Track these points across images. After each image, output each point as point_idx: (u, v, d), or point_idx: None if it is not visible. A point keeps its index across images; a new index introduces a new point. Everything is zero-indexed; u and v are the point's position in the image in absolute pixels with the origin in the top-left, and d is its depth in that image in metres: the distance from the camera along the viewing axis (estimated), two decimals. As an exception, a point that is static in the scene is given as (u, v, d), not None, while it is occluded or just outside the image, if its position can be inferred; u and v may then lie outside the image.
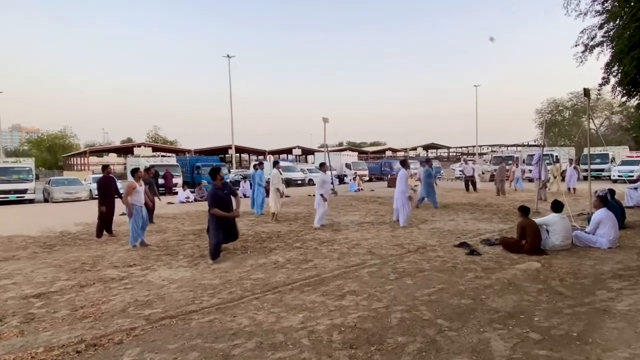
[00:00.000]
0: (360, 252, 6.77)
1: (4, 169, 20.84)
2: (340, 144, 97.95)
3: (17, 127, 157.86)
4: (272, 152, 53.79)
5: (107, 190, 9.12)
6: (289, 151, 55.95)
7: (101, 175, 9.62)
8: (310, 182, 29.38)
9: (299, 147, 51.75)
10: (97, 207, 9.03)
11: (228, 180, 30.26)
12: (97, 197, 9.58)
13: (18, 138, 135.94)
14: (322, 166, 10.40)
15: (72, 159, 57.24)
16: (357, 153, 50.97)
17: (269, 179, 11.60)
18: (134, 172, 8.26)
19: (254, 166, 14.28)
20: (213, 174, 6.66)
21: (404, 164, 10.25)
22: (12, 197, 19.63)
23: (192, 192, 19.07)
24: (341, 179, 31.36)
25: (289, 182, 24.48)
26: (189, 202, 17.56)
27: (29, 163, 22.58)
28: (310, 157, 63.08)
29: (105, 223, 9.00)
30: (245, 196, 18.87)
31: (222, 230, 6.61)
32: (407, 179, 9.77)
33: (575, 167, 17.36)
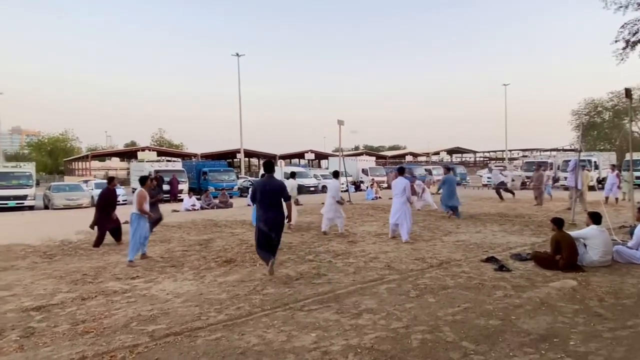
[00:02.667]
0: (378, 267, 6.76)
1: (3, 174, 21.45)
2: (357, 148, 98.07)
3: (17, 130, 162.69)
4: (283, 157, 54.05)
5: (108, 204, 9.40)
6: (301, 155, 56.21)
7: (105, 185, 10.04)
8: (324, 189, 29.49)
9: (311, 151, 51.90)
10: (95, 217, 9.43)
11: (236, 187, 30.31)
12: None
13: (18, 141, 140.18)
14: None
15: (73, 163, 58.63)
16: (374, 158, 50.84)
17: None
18: (144, 180, 8.22)
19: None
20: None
21: (402, 171, 9.88)
22: (11, 203, 20.20)
23: (198, 199, 19.31)
24: (357, 186, 31.33)
25: (300, 189, 24.58)
26: (195, 209, 17.78)
27: (29, 168, 23.21)
28: (323, 162, 63.19)
29: (109, 232, 9.36)
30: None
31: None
32: (409, 188, 9.36)
33: (617, 175, 16.90)
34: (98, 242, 9.18)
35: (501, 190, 19.20)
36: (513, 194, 19.55)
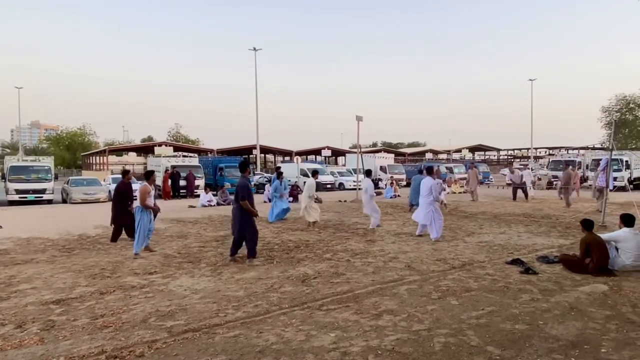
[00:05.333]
0: (397, 267, 6.72)
1: (23, 167, 22.06)
2: (375, 145, 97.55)
3: (37, 124, 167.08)
4: (300, 153, 54.20)
5: (123, 197, 9.51)
6: (317, 152, 56.22)
7: (121, 179, 10.12)
8: (341, 186, 29.43)
9: (328, 148, 51.80)
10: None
11: (252, 183, 30.54)
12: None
13: (37, 135, 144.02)
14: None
15: (91, 157, 59.90)
16: (393, 155, 50.53)
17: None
18: (149, 175, 8.67)
19: (277, 174, 14.21)
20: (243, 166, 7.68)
21: (431, 171, 9.63)
22: (30, 197, 20.73)
23: (214, 195, 19.52)
24: (375, 183, 31.17)
25: (317, 186, 24.64)
26: (211, 205, 17.98)
27: (48, 162, 23.79)
28: (340, 159, 63.11)
29: (123, 228, 9.49)
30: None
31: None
32: (436, 189, 9.25)
33: None
34: (115, 237, 9.36)
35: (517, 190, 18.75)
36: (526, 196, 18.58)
